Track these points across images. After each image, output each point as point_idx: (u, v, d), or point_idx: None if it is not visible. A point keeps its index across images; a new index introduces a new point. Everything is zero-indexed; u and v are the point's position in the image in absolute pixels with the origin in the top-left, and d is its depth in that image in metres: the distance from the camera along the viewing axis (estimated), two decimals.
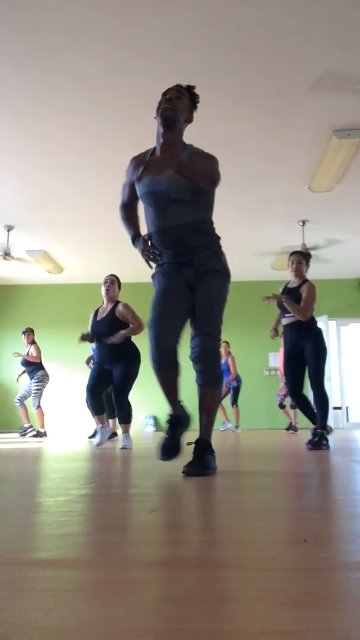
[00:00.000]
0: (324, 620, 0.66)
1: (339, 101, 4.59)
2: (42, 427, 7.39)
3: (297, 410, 7.27)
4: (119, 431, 4.54)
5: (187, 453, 2.45)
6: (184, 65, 4.10)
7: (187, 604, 0.73)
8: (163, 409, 10.81)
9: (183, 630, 0.64)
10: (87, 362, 6.76)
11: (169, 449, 2.51)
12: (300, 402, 4.28)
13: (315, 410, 4.16)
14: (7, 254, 7.52)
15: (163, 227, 2.49)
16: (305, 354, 4.17)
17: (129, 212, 2.70)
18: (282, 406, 8.08)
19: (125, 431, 4.49)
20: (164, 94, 2.52)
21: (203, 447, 2.43)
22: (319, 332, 4.23)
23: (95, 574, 0.88)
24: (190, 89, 2.56)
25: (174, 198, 2.48)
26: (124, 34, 3.76)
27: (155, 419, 10.36)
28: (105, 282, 4.73)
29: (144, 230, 2.64)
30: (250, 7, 3.51)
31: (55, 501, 1.60)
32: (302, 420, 8.77)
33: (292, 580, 0.83)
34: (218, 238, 2.63)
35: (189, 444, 2.56)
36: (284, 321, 4.28)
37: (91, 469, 2.66)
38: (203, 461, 2.37)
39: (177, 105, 2.49)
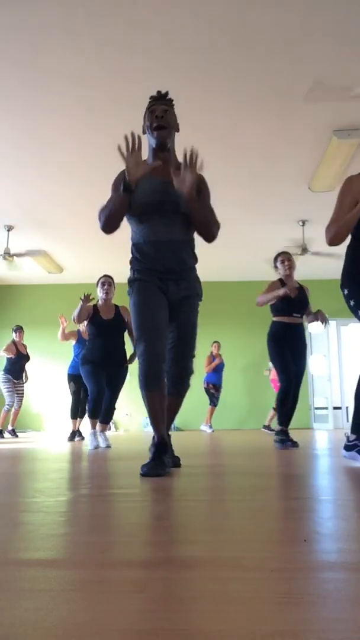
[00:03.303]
0: (323, 620, 0.66)
1: (339, 101, 4.59)
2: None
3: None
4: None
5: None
6: (185, 66, 4.10)
7: (187, 604, 0.73)
8: None
9: (183, 630, 0.64)
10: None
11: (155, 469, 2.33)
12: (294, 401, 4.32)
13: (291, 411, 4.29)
14: (7, 254, 7.52)
15: (166, 240, 2.48)
16: (293, 354, 4.28)
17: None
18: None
19: (105, 430, 4.72)
20: (151, 111, 2.51)
21: (163, 447, 2.49)
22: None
23: (95, 574, 0.88)
24: (166, 95, 2.58)
25: (183, 211, 2.49)
26: (124, 34, 3.76)
27: None
28: (104, 285, 4.65)
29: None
30: (251, 6, 3.51)
31: (55, 501, 1.60)
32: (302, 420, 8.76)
33: (292, 580, 0.82)
34: (197, 261, 2.70)
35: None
36: (290, 320, 4.29)
37: (90, 469, 2.66)
38: (161, 461, 2.41)
39: (169, 120, 2.52)
